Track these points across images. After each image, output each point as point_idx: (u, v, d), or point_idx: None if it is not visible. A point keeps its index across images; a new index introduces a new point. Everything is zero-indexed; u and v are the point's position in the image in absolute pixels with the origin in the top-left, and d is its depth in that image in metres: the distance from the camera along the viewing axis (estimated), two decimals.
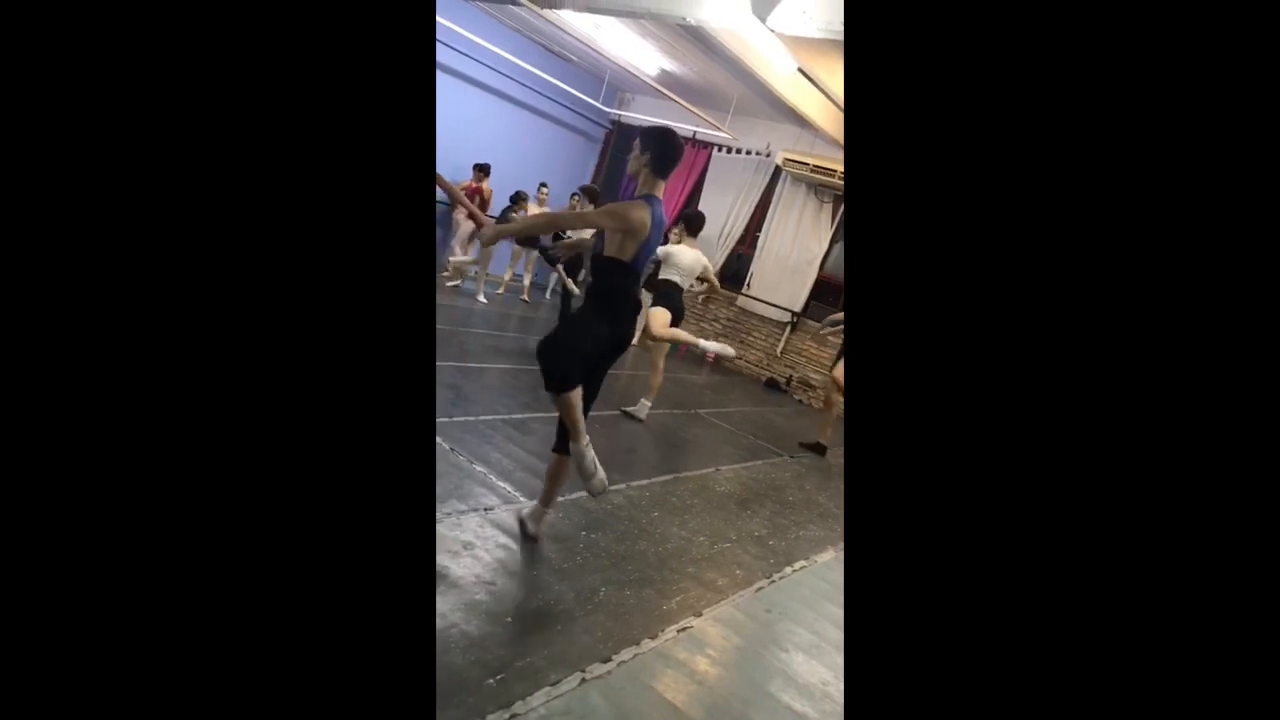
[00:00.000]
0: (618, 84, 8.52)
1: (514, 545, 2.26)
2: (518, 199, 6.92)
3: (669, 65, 6.82)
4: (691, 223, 4.26)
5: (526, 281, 7.86)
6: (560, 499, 2.68)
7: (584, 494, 2.81)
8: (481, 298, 6.76)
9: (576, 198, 5.72)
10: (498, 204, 7.18)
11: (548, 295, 8.42)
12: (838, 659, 2.15)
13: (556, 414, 2.20)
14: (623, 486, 3.04)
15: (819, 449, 4.88)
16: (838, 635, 2.30)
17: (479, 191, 6.82)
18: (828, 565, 2.88)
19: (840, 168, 6.61)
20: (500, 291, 7.42)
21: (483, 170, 6.84)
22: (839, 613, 2.47)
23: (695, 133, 8.00)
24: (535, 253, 7.78)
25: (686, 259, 4.19)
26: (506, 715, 1.50)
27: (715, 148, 8.06)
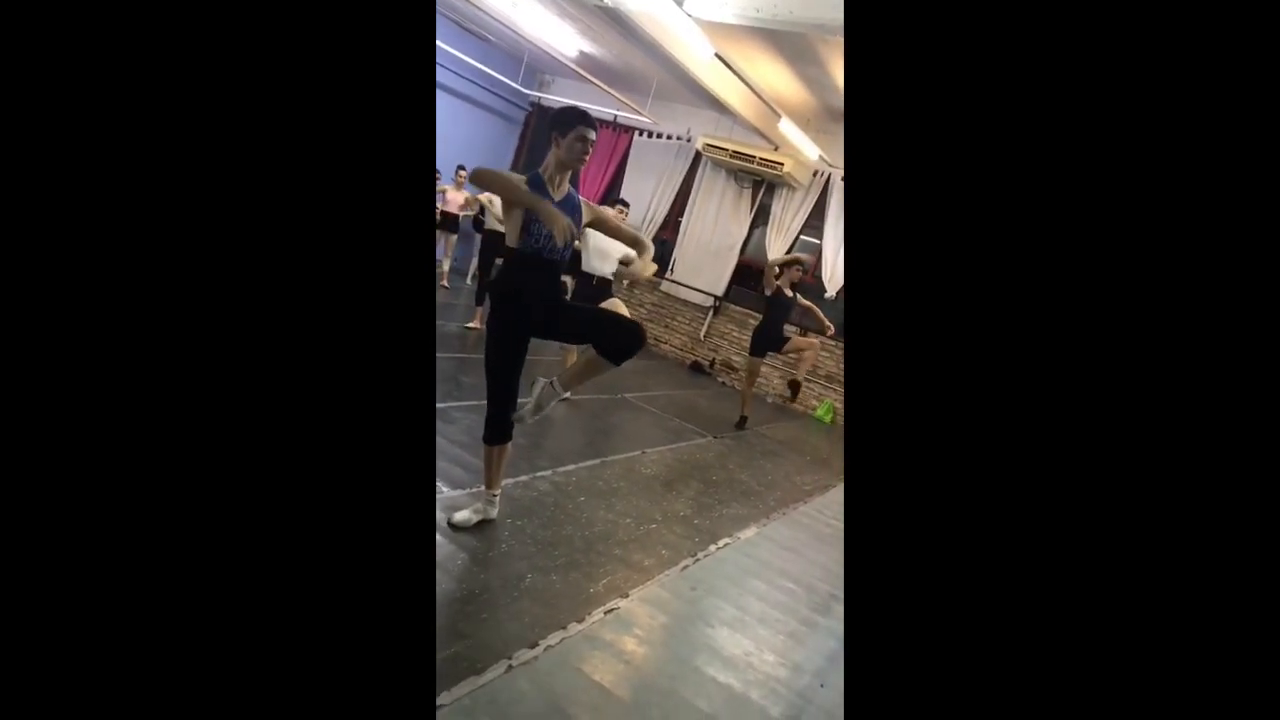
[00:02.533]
0: (537, 65, 8.37)
1: (437, 536, 2.22)
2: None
3: (588, 47, 6.75)
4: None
5: (445, 267, 7.67)
6: (480, 488, 2.65)
7: (510, 482, 2.79)
8: None
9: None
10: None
11: (469, 280, 8.24)
12: (760, 631, 2.22)
13: (475, 402, 2.21)
14: (549, 472, 3.03)
15: (742, 422, 5.17)
16: (760, 608, 2.37)
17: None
18: (751, 542, 2.97)
19: (760, 154, 6.74)
20: None
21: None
22: (762, 586, 2.55)
23: (616, 116, 7.97)
24: (455, 237, 7.59)
25: (603, 244, 4.20)
26: None
27: (636, 132, 8.05)
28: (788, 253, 5.22)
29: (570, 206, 2.18)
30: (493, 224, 5.60)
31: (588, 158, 2.15)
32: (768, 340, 4.98)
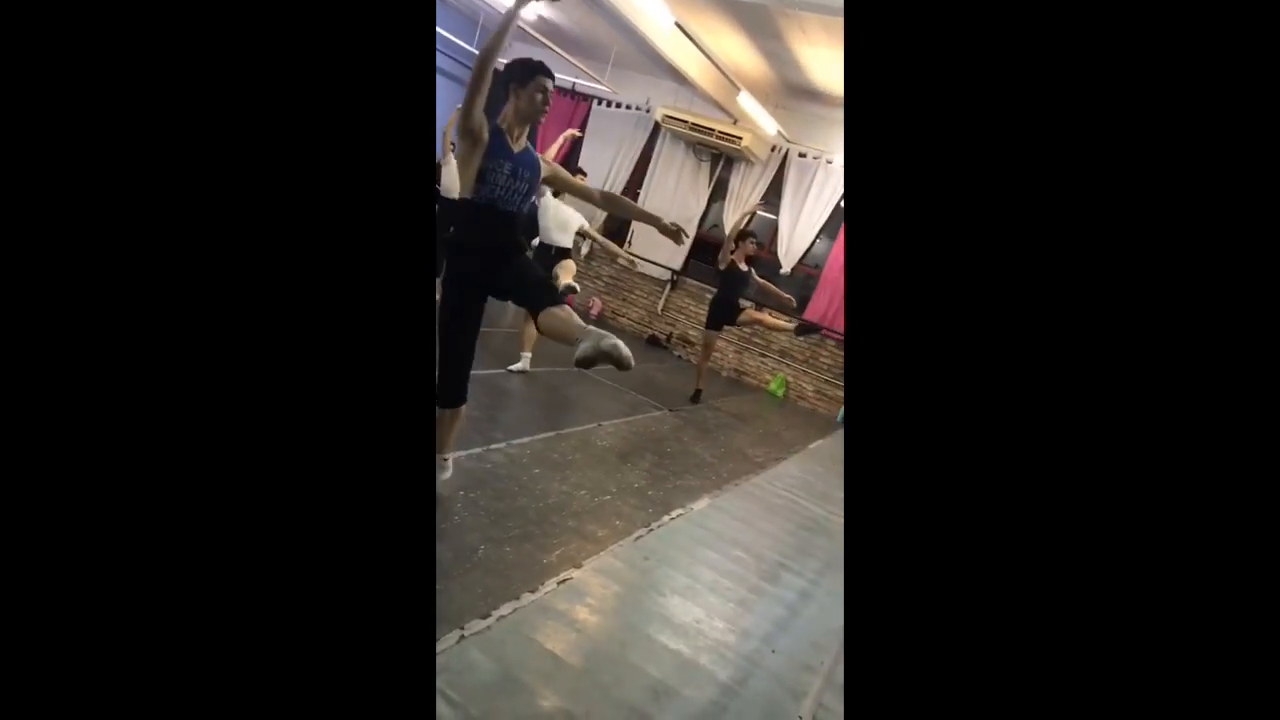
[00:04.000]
0: (493, 29, 8.15)
1: None
2: None
3: (546, 12, 6.59)
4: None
5: None
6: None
7: (464, 454, 2.77)
8: None
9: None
10: None
11: None
12: (711, 599, 2.28)
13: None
14: (504, 445, 3.02)
15: (697, 395, 5.24)
16: (712, 577, 2.42)
17: None
18: (703, 513, 3.02)
19: (719, 127, 6.71)
20: None
21: None
22: (714, 556, 2.60)
23: (575, 84, 7.82)
24: None
25: (563, 214, 4.16)
26: None
27: (595, 100, 7.93)
28: (745, 224, 5.19)
29: (529, 162, 2.13)
30: (450, 187, 5.02)
31: (548, 109, 2.12)
32: (723, 314, 5.02)
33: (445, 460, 2.37)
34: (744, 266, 5.00)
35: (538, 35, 6.46)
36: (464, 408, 2.28)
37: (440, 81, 8.31)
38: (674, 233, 2.39)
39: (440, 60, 8.13)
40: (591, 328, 1.93)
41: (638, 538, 2.56)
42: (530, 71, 2.08)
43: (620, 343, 1.86)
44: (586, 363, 1.86)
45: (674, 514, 2.89)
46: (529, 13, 6.63)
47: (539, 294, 2.06)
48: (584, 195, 2.42)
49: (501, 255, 2.12)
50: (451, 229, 2.23)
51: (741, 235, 4.99)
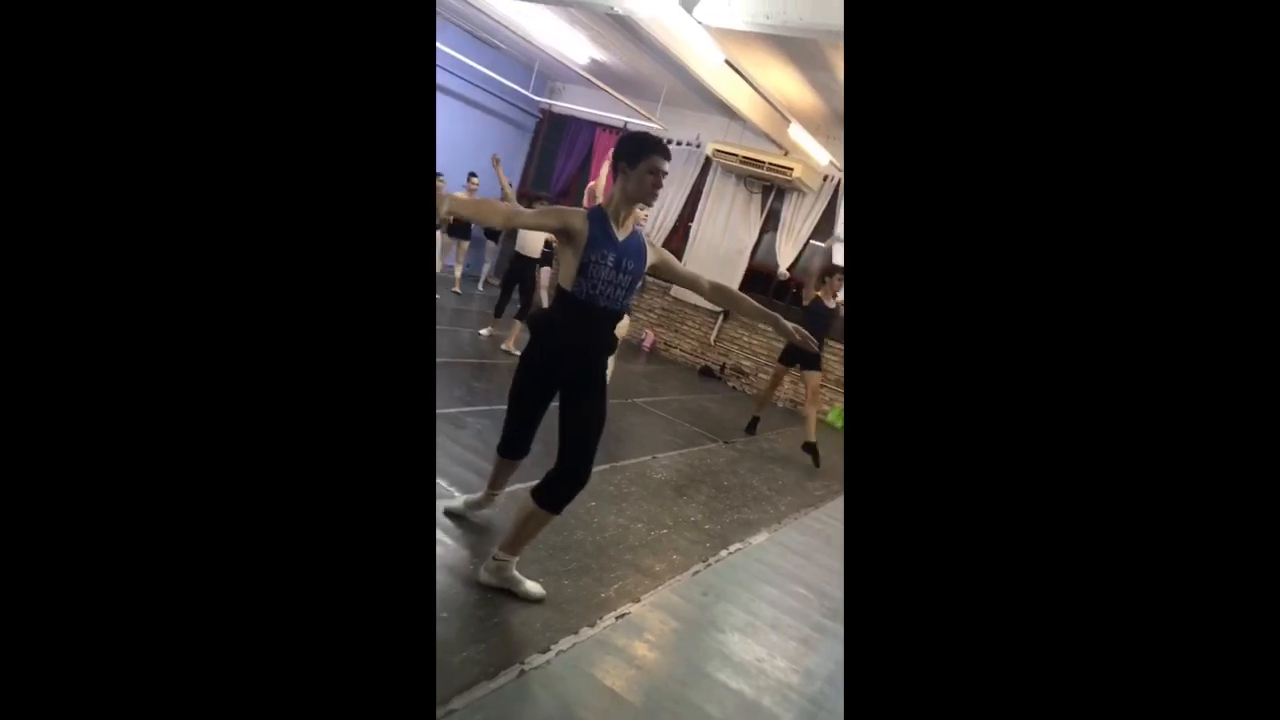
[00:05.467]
0: (548, 73, 8.42)
1: (449, 540, 2.24)
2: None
3: (599, 54, 6.79)
4: None
5: (458, 273, 7.71)
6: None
7: (520, 486, 2.80)
8: None
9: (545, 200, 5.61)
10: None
11: (480, 286, 8.28)
12: (772, 636, 2.22)
13: (487, 407, 2.18)
14: None
15: (753, 424, 5.17)
16: (772, 614, 2.36)
17: None
18: (762, 547, 2.96)
19: (769, 159, 6.74)
20: None
21: None
22: (774, 592, 2.54)
23: (626, 123, 7.99)
24: (467, 244, 7.63)
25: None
26: (444, 711, 1.48)
27: None
28: (796, 258, 5.13)
29: (634, 250, 1.92)
30: (524, 246, 5.50)
31: (659, 191, 1.88)
32: (801, 352, 4.94)
33: (496, 495, 2.41)
34: (830, 303, 4.87)
35: (590, 77, 6.65)
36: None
37: (496, 123, 8.60)
38: (802, 340, 2.10)
39: (497, 104, 8.42)
40: (509, 562, 2.01)
41: (695, 572, 2.53)
42: (643, 150, 1.83)
43: (518, 585, 2.00)
44: (488, 586, 2.01)
45: (732, 548, 2.84)
46: (580, 56, 6.86)
47: (582, 430, 1.97)
48: (692, 285, 2.13)
49: (589, 354, 1.97)
50: (536, 307, 2.21)
51: (827, 271, 4.93)
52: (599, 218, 1.88)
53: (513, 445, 2.24)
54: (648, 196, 1.87)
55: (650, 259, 2.00)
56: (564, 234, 1.86)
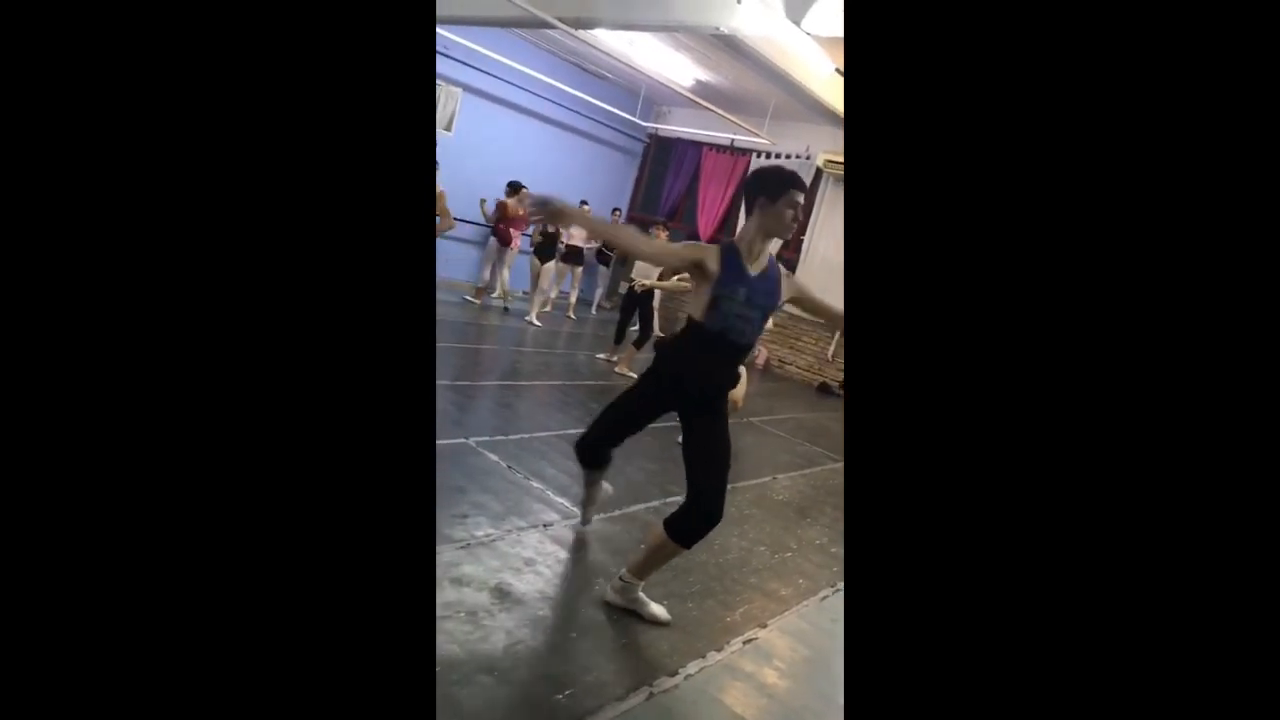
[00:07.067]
0: (654, 97, 8.57)
1: (575, 561, 2.27)
2: (515, 187, 6.81)
3: (704, 75, 6.84)
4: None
5: (573, 299, 7.94)
6: (617, 512, 2.68)
7: (641, 507, 2.80)
8: (534, 319, 6.70)
9: (662, 228, 5.75)
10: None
11: (593, 310, 8.48)
12: None
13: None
14: (679, 498, 3.02)
15: None
16: None
17: (507, 207, 6.80)
18: None
19: None
20: (547, 309, 7.47)
21: (514, 188, 6.81)
22: None
23: (733, 140, 7.99)
24: (580, 269, 7.83)
25: None
26: None
27: (755, 154, 8.02)
28: None
29: (767, 287, 1.90)
30: (640, 274, 5.60)
31: (797, 224, 1.90)
32: None
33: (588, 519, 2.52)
34: None
35: (696, 98, 6.71)
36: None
37: (604, 151, 8.83)
38: None
39: (604, 132, 8.66)
40: (638, 592, 2.03)
41: (824, 597, 2.43)
42: (783, 184, 1.83)
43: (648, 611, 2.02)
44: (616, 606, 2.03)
45: None
46: (685, 78, 6.93)
47: (713, 465, 1.93)
48: (829, 317, 2.13)
49: (713, 385, 1.96)
50: (665, 341, 2.22)
51: None
52: (731, 253, 1.88)
53: (598, 455, 2.24)
54: (786, 231, 1.88)
55: (786, 293, 1.98)
56: (697, 270, 1.88)
